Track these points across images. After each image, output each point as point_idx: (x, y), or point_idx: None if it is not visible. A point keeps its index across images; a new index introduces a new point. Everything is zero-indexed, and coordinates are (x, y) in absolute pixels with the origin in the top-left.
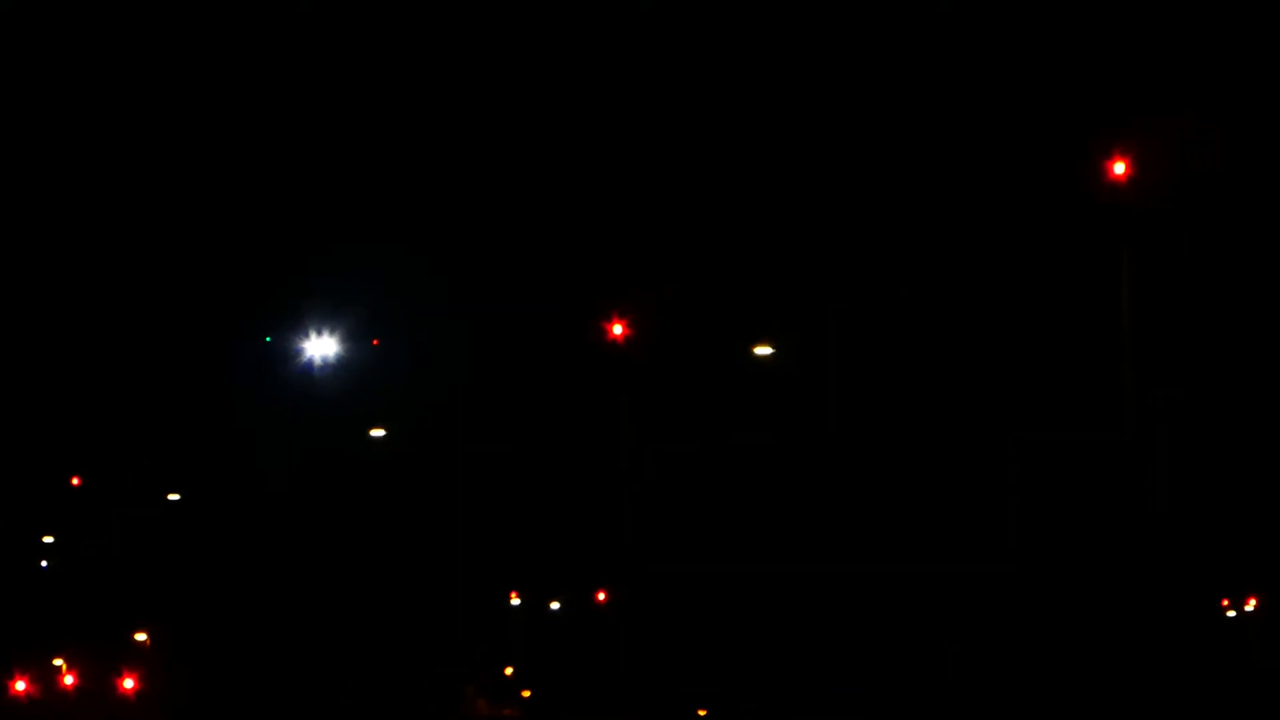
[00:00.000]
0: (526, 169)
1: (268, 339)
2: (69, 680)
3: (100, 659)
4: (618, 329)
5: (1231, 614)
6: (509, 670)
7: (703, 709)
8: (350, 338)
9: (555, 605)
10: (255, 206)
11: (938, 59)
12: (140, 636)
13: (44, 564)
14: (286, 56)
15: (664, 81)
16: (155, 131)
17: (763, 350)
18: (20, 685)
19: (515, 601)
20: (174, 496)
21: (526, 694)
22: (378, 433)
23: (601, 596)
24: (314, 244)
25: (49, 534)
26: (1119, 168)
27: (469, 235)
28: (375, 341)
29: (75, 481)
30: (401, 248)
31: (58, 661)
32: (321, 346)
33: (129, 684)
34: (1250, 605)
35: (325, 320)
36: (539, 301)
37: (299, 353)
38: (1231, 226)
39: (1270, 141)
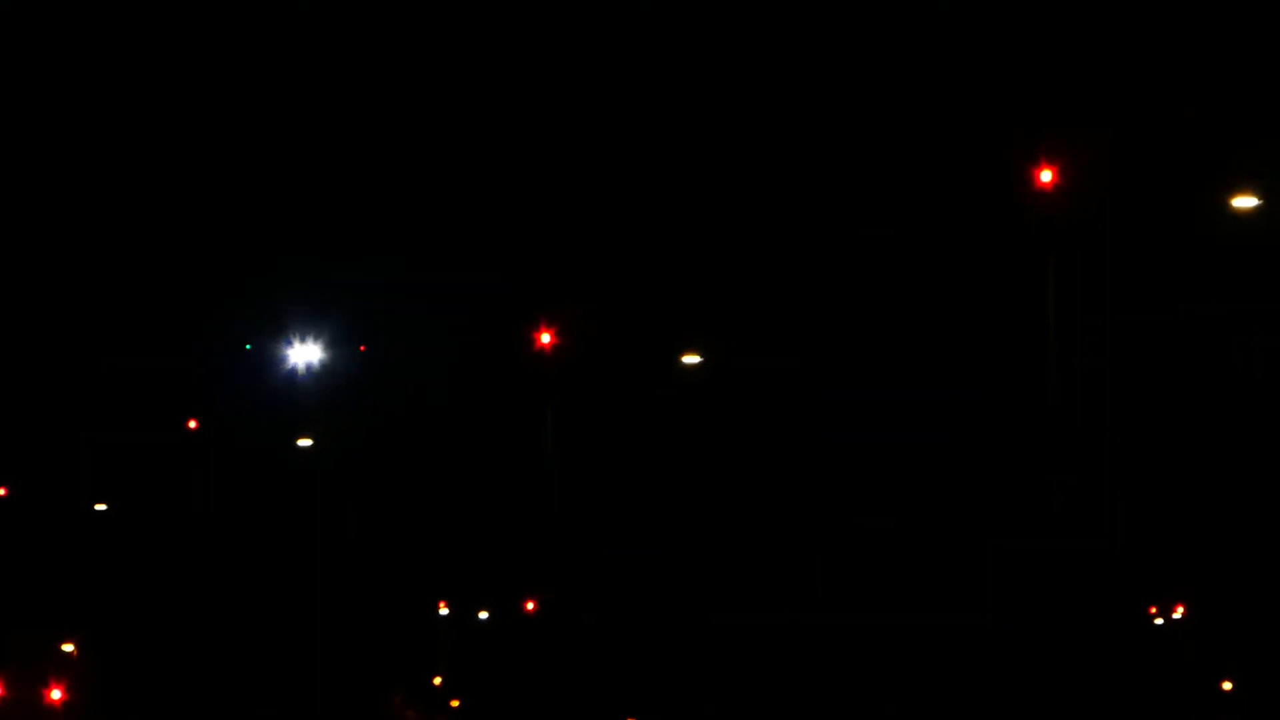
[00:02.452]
0: (457, 176)
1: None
2: None
3: (28, 670)
4: (545, 338)
5: (1159, 622)
6: (437, 680)
7: (631, 716)
8: (283, 344)
9: (483, 615)
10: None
11: (866, 67)
12: (68, 647)
13: None
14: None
15: (599, 90)
16: (128, 130)
17: (690, 359)
18: None
19: (443, 611)
20: (101, 507)
21: (455, 703)
22: (304, 442)
23: (530, 605)
24: (237, 253)
25: None
26: (1045, 175)
27: (395, 241)
28: (362, 349)
29: (1, 491)
30: (329, 250)
31: None
32: (267, 354)
33: (56, 695)
34: (1178, 613)
35: (258, 328)
36: (465, 308)
37: (236, 360)
38: (1158, 235)
39: (1197, 148)
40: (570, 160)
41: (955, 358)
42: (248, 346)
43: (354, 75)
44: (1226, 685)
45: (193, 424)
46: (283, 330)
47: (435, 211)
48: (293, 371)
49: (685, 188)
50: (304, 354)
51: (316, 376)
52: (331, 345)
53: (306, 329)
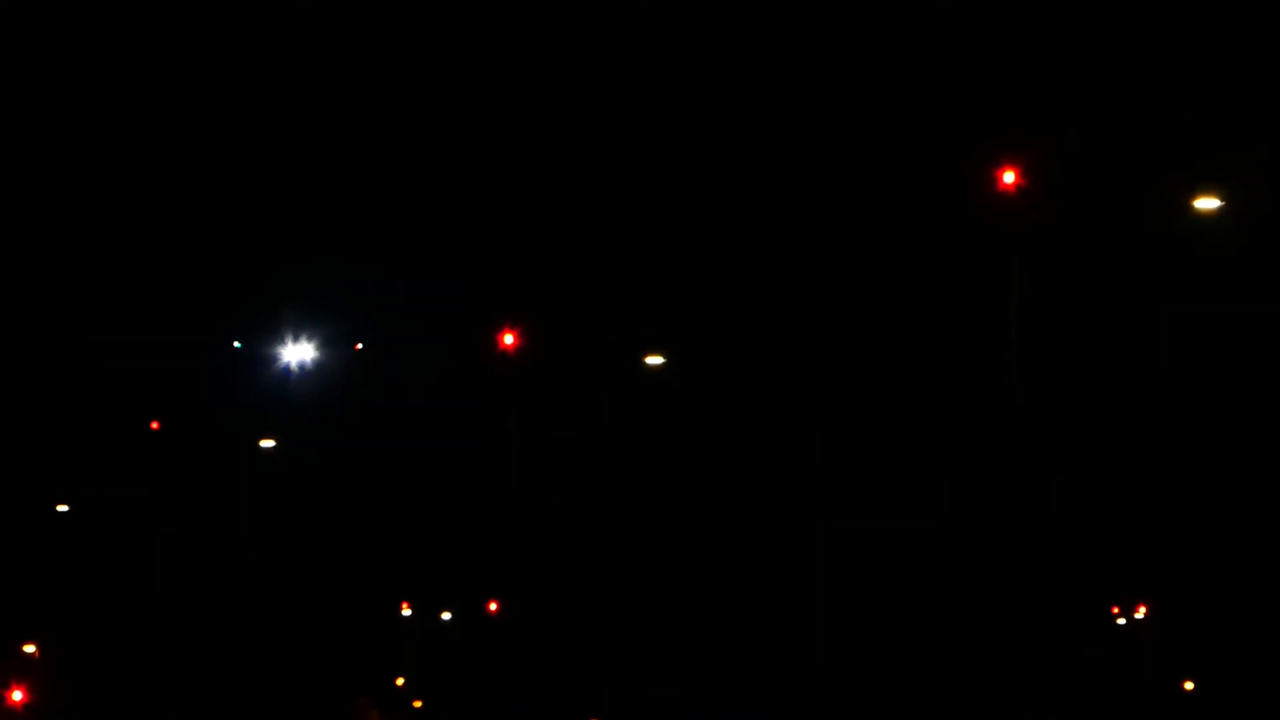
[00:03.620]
0: (420, 176)
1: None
2: None
3: None
4: (509, 339)
5: (1122, 622)
6: (400, 680)
7: (594, 717)
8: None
9: (446, 615)
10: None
11: (823, 65)
12: (29, 648)
13: None
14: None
15: (560, 92)
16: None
17: (654, 360)
18: None
19: (406, 612)
20: (62, 508)
21: (418, 704)
22: (267, 443)
23: (493, 606)
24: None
25: None
26: (1009, 176)
27: (355, 241)
28: (358, 346)
29: None
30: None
31: None
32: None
33: (18, 696)
34: (1140, 613)
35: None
36: (429, 309)
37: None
38: (1121, 237)
39: (1161, 149)
40: (533, 160)
41: (918, 357)
42: (237, 345)
43: (313, 71)
44: (1189, 685)
45: (154, 424)
46: (245, 330)
47: (397, 212)
48: (259, 371)
49: (648, 189)
50: (286, 352)
51: (282, 376)
52: (293, 345)
53: (269, 328)
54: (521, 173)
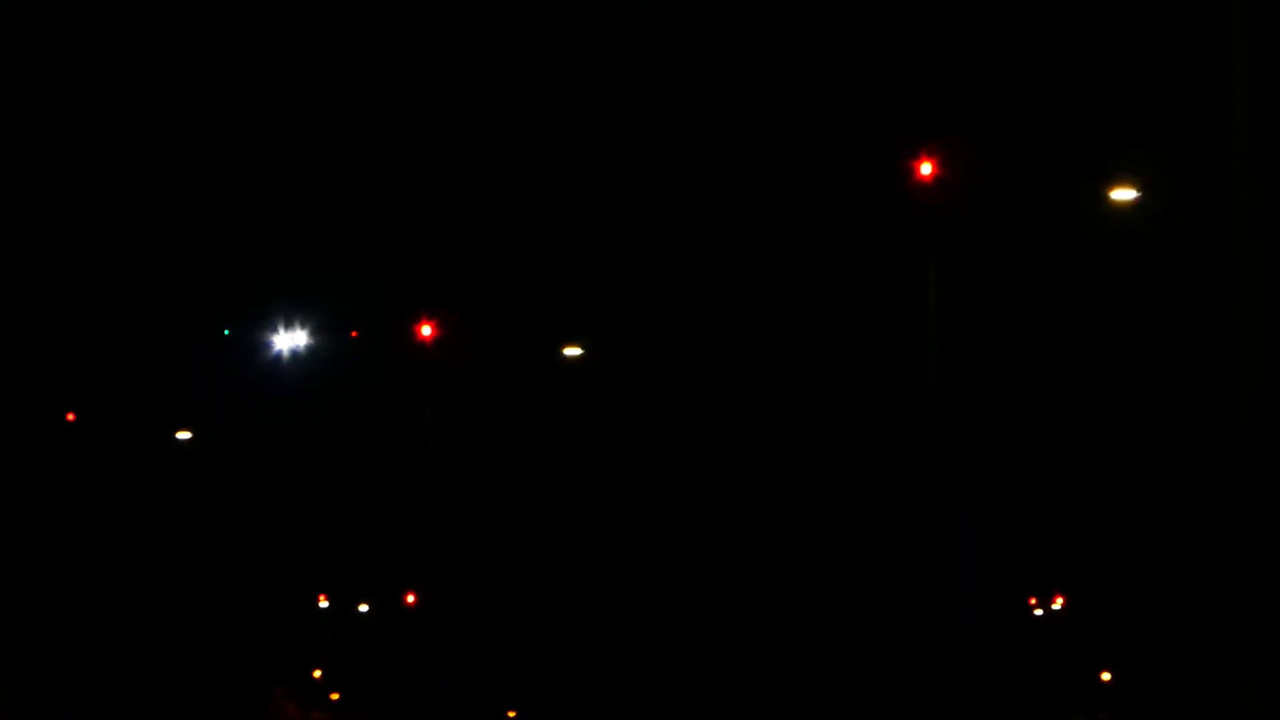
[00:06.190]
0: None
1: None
2: None
3: None
4: (426, 330)
5: (1039, 613)
6: (317, 673)
7: (512, 710)
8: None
9: (363, 608)
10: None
11: (743, 58)
12: None
13: None
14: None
15: (479, 87)
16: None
17: (572, 351)
18: None
19: (323, 604)
20: None
21: (335, 696)
22: (183, 435)
23: (410, 598)
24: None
25: None
26: (925, 169)
27: (271, 232)
28: (354, 334)
29: None
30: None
31: None
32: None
33: None
34: (1057, 604)
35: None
36: (345, 302)
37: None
38: (1040, 231)
39: (1078, 143)
40: (452, 154)
41: (834, 357)
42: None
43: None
44: (1105, 676)
45: (70, 416)
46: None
47: (316, 204)
48: (175, 363)
49: (568, 182)
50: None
51: (199, 368)
52: (216, 338)
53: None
54: (439, 165)
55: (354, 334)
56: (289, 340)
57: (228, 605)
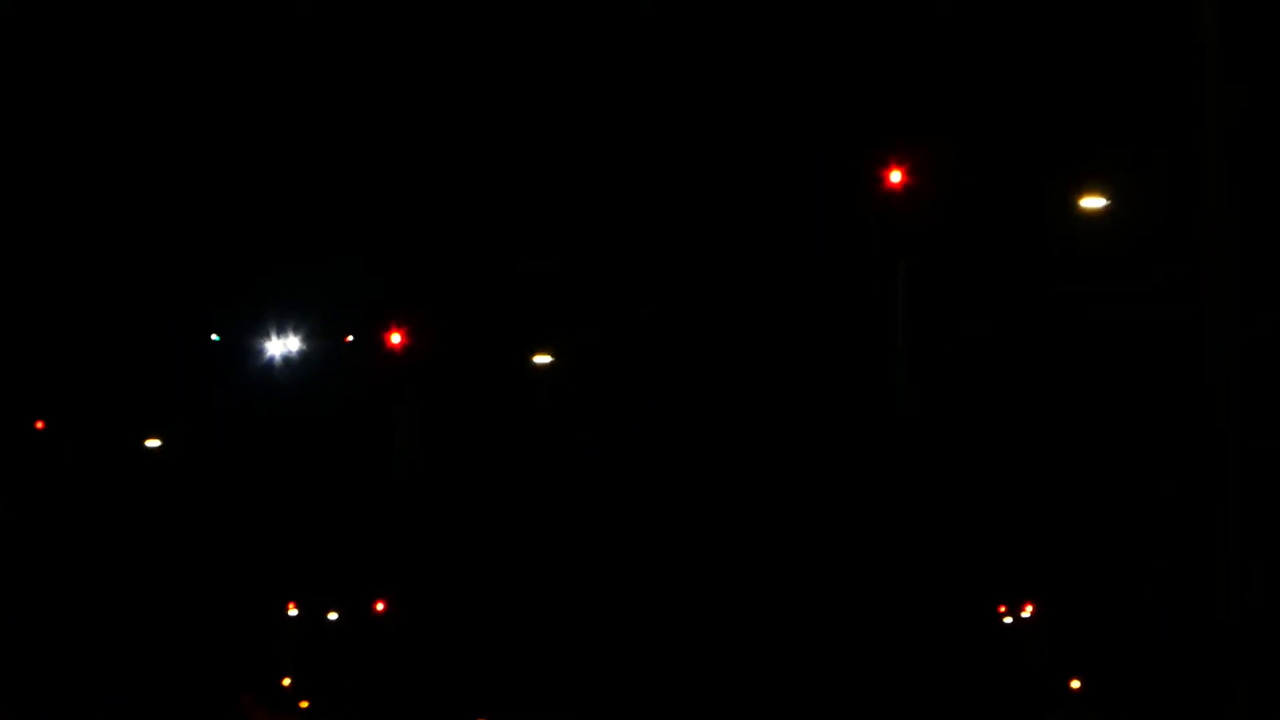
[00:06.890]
0: (305, 174)
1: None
2: None
3: None
4: (395, 337)
5: (1009, 620)
6: (286, 680)
7: (483, 716)
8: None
9: (333, 615)
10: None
11: (706, 63)
12: None
13: None
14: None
15: (445, 89)
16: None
17: (542, 359)
18: None
19: (293, 611)
20: None
21: (304, 704)
22: (152, 443)
23: (379, 605)
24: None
25: None
26: (895, 176)
27: (243, 235)
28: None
29: None
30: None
31: None
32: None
33: None
34: (1027, 611)
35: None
36: (313, 307)
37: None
38: (1010, 237)
39: (1051, 150)
40: (422, 158)
41: (802, 363)
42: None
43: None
44: (1075, 684)
45: (39, 424)
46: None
47: (287, 209)
48: (144, 369)
49: (537, 187)
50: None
51: (171, 375)
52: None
53: (157, 326)
54: (410, 170)
55: (346, 339)
56: (258, 347)
57: (196, 612)
